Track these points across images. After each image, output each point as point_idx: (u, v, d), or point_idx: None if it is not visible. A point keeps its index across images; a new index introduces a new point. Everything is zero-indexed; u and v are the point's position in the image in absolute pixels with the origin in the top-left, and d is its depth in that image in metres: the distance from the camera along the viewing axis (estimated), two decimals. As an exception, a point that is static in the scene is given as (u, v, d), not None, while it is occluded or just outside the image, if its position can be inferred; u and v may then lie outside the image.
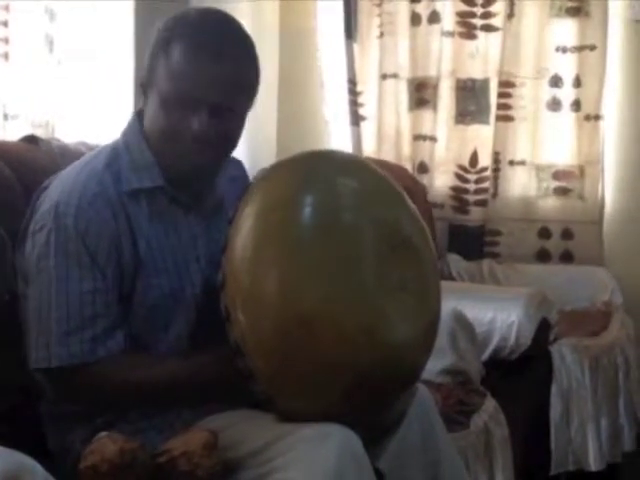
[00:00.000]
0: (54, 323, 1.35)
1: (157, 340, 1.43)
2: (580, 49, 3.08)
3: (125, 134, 1.47)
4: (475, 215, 3.24)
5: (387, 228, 1.37)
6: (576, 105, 3.09)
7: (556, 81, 3.12)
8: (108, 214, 1.38)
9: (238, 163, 1.63)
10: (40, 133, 2.02)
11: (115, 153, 1.44)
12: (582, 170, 3.11)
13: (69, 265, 1.36)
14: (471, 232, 3.24)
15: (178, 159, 1.41)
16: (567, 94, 3.10)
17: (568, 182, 3.14)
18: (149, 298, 1.41)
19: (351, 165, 1.48)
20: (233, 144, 1.46)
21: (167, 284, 1.42)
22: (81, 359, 1.35)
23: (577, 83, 3.09)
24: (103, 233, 1.37)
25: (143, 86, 1.44)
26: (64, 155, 1.70)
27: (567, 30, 3.09)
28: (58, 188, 1.40)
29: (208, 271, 1.46)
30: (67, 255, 1.36)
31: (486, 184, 3.22)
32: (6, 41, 2.06)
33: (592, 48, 3.06)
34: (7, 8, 2.06)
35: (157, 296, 1.41)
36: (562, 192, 3.15)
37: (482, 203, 3.23)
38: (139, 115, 1.47)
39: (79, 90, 2.28)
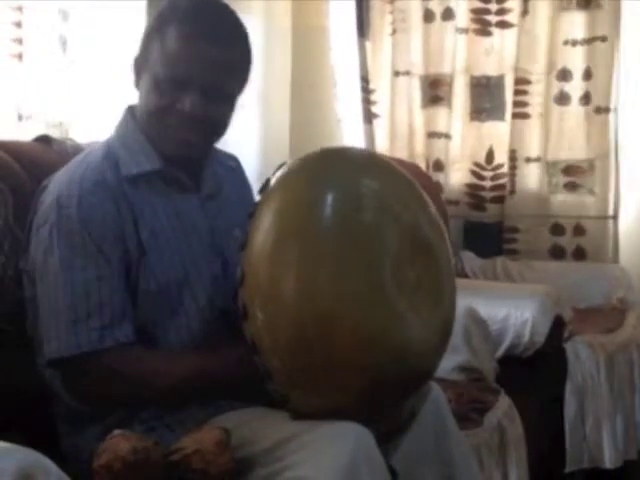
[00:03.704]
0: (61, 313, 1.36)
1: (166, 329, 1.43)
2: (591, 41, 3.06)
3: (118, 129, 1.50)
4: (492, 212, 3.24)
5: (407, 229, 1.37)
6: (586, 98, 3.07)
7: (567, 75, 3.11)
8: (110, 202, 1.39)
9: (235, 159, 1.66)
10: (54, 133, 2.03)
11: (110, 146, 1.47)
12: (592, 164, 3.10)
13: (73, 255, 1.36)
14: (488, 229, 3.23)
15: (166, 139, 1.43)
16: (578, 87, 3.08)
17: (579, 177, 3.12)
18: (152, 285, 1.41)
19: (372, 164, 1.47)
20: (221, 127, 1.48)
21: (170, 269, 1.43)
22: (89, 347, 1.35)
23: (587, 76, 3.07)
24: (106, 221, 1.38)
25: (137, 66, 1.47)
26: (77, 155, 1.71)
27: (579, 23, 3.07)
28: (57, 184, 1.42)
29: (210, 257, 1.47)
30: (71, 245, 1.37)
31: (502, 181, 3.21)
32: (20, 42, 2.07)
33: (603, 39, 3.04)
34: (20, 9, 2.06)
35: (161, 282, 1.42)
36: (574, 187, 3.14)
37: (498, 200, 3.22)
38: (131, 110, 1.50)
39: (93, 90, 2.29)
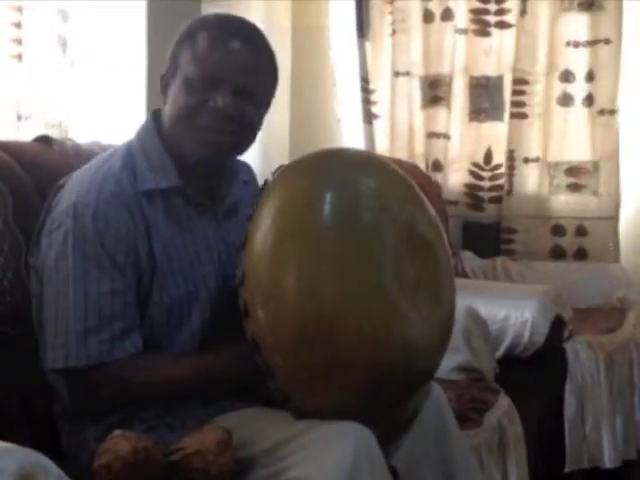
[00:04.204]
0: (72, 323, 1.35)
1: (171, 341, 1.44)
2: (594, 43, 3.06)
3: (140, 134, 1.48)
4: (490, 212, 3.24)
5: (405, 228, 1.37)
6: (589, 100, 3.08)
7: (570, 76, 3.11)
8: (126, 214, 1.38)
9: (247, 167, 1.65)
10: (53, 133, 2.03)
11: (130, 153, 1.45)
12: (597, 166, 3.10)
13: (87, 266, 1.36)
14: (486, 229, 3.23)
15: (194, 141, 1.41)
16: (581, 89, 3.09)
17: (583, 178, 3.13)
18: (164, 298, 1.41)
19: (370, 164, 1.47)
20: (250, 134, 1.47)
21: (182, 285, 1.43)
22: (98, 359, 1.35)
23: (590, 78, 3.07)
24: (121, 233, 1.37)
25: (164, 81, 1.45)
26: (77, 155, 1.71)
27: (580, 24, 3.08)
28: (75, 188, 1.41)
29: (222, 273, 1.47)
30: (85, 256, 1.36)
31: (501, 181, 3.21)
32: (19, 42, 2.06)
33: (607, 42, 3.04)
34: (20, 9, 2.06)
35: (172, 296, 1.42)
36: (577, 188, 3.14)
37: (497, 200, 3.22)
38: (155, 116, 1.48)
39: (92, 90, 2.29)
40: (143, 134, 1.47)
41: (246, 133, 1.46)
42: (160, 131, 1.45)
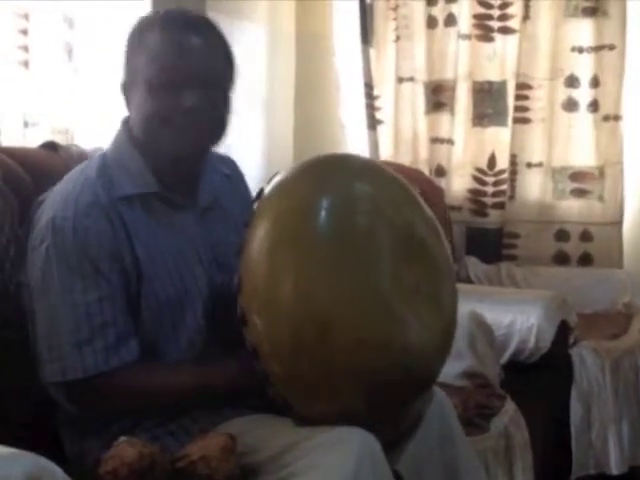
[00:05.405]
0: (64, 336, 1.36)
1: (168, 345, 1.43)
2: (598, 49, 3.06)
3: (114, 143, 1.48)
4: (494, 218, 3.23)
5: (402, 232, 1.38)
6: (594, 106, 3.08)
7: (575, 82, 3.11)
8: (104, 222, 1.38)
9: (230, 161, 1.65)
10: (60, 140, 2.03)
11: (105, 162, 1.45)
12: (602, 171, 3.10)
13: (72, 277, 1.36)
14: (490, 235, 3.23)
15: (172, 142, 1.40)
16: (584, 95, 3.09)
17: (588, 184, 3.12)
18: (153, 301, 1.41)
19: (367, 169, 1.48)
20: (223, 122, 1.46)
21: (170, 286, 1.43)
22: (95, 370, 1.35)
23: (595, 83, 3.07)
24: (102, 241, 1.38)
25: (124, 88, 1.45)
26: (83, 161, 1.71)
27: (584, 30, 3.08)
28: (54, 202, 1.41)
29: (211, 271, 1.47)
30: (69, 268, 1.36)
31: (504, 187, 3.21)
32: (25, 49, 2.08)
33: (611, 48, 3.04)
34: (26, 16, 2.07)
35: (161, 299, 1.42)
36: (582, 194, 3.14)
37: (500, 206, 3.22)
38: (126, 123, 1.48)
39: (98, 97, 2.29)
40: (117, 142, 1.48)
41: (218, 123, 1.45)
42: (132, 138, 1.45)
